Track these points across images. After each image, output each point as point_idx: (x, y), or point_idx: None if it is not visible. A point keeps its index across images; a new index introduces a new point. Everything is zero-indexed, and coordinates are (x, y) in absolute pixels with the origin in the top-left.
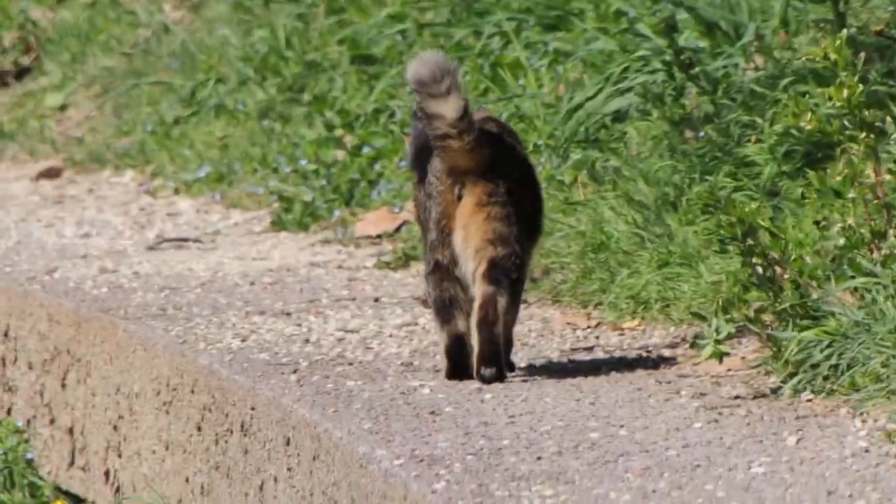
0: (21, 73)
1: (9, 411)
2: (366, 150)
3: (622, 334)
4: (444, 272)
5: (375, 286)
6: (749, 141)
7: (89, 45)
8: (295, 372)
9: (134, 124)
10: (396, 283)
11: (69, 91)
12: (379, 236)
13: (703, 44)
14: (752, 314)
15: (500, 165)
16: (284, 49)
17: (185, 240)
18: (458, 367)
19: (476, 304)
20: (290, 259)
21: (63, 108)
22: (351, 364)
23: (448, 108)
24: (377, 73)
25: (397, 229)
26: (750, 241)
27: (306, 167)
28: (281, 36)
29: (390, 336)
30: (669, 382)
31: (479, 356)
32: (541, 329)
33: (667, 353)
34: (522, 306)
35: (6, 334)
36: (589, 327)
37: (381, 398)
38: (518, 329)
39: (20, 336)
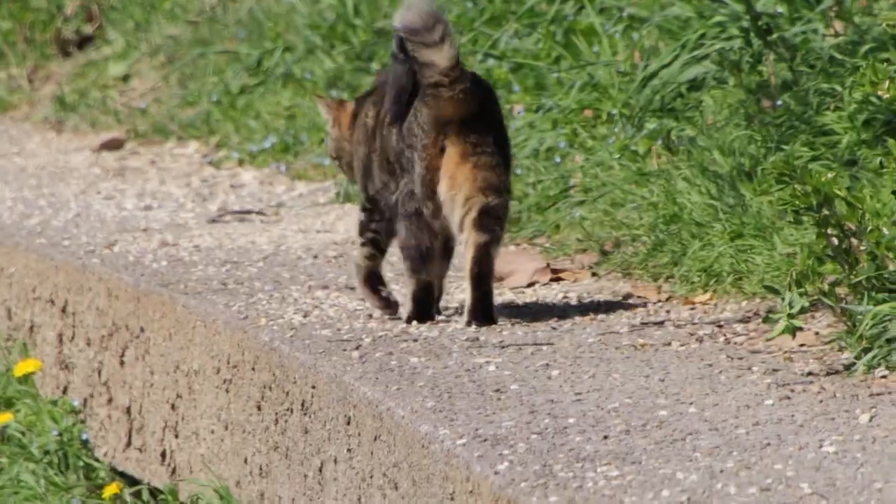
0: (83, 42)
1: (65, 390)
2: None
3: (693, 308)
4: (422, 223)
5: None
6: (828, 109)
7: (153, 13)
8: (357, 349)
9: (199, 94)
10: (462, 256)
11: (132, 61)
12: None
13: (782, 9)
14: (826, 287)
15: (486, 115)
16: (353, 16)
17: (248, 212)
18: (423, 312)
19: (469, 255)
20: (355, 232)
21: (126, 78)
22: (415, 340)
23: (441, 57)
24: None
25: None
26: (825, 212)
27: None
28: (349, 3)
29: (456, 311)
30: (741, 358)
31: (473, 310)
32: (610, 303)
33: (739, 327)
34: (592, 280)
35: (64, 310)
36: (660, 301)
37: (446, 375)
38: (587, 303)
39: (78, 311)
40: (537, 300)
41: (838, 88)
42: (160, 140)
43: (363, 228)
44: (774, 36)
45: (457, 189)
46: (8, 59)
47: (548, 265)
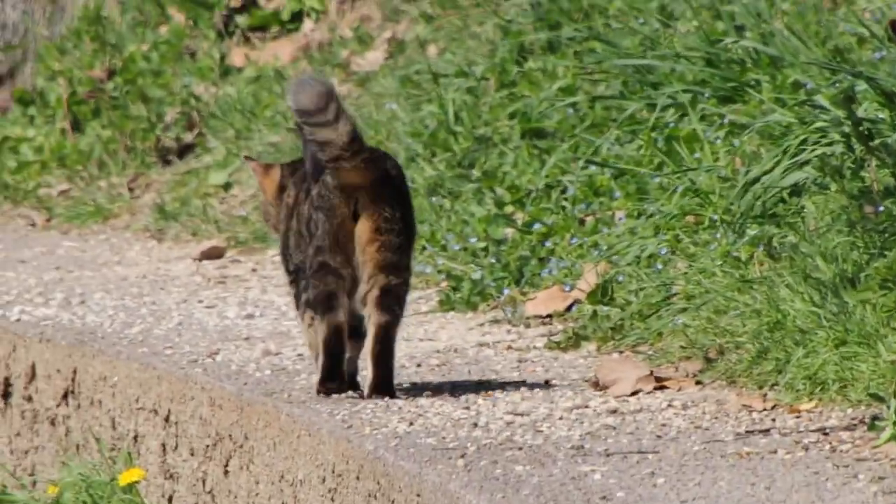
0: (183, 150)
1: (170, 500)
2: (536, 226)
3: (799, 416)
4: (328, 271)
5: (546, 367)
6: None
7: (254, 120)
8: (462, 457)
9: None
10: (567, 365)
11: (233, 168)
12: (549, 316)
13: (883, 115)
14: None
15: (392, 187)
16: (454, 124)
17: None
18: (334, 365)
19: (371, 334)
20: (458, 340)
21: (227, 186)
22: (520, 448)
23: (338, 135)
24: (548, 148)
25: (568, 308)
26: None
27: (475, 245)
28: (450, 110)
29: (560, 419)
30: (847, 466)
31: (375, 386)
32: (715, 411)
33: (844, 435)
34: (697, 388)
35: (167, 419)
36: (765, 409)
37: (551, 483)
38: (692, 412)
39: (181, 421)
40: (641, 408)
41: None
42: (261, 248)
43: (297, 299)
44: (876, 142)
45: (364, 266)
46: (108, 168)
47: (651, 373)
